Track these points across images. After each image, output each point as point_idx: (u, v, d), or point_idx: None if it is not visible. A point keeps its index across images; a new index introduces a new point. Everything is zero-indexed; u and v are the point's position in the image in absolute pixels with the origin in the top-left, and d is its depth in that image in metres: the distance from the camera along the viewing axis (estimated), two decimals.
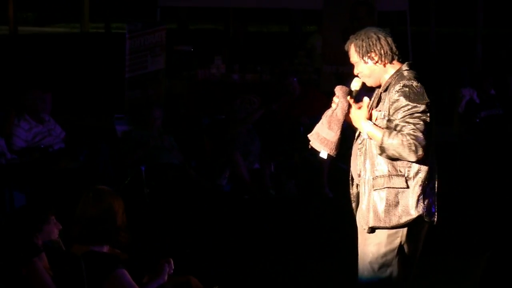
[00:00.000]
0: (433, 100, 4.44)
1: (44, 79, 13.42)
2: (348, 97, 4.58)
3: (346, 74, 9.35)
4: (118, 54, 12.06)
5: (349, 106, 4.56)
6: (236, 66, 11.77)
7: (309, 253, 7.16)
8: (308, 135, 4.67)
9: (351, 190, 4.75)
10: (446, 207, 4.90)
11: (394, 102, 4.41)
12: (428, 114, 4.37)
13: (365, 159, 4.58)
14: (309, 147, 4.67)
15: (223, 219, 8.23)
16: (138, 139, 8.93)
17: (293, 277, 6.61)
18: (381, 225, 4.50)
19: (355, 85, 4.63)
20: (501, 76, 11.07)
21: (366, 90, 4.69)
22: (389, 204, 4.47)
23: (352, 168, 4.70)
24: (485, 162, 9.81)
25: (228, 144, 9.24)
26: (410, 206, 4.46)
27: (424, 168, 4.47)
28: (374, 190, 4.51)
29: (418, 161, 4.43)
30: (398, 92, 4.41)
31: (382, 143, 4.40)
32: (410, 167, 4.46)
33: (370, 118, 4.54)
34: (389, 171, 4.47)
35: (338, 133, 4.55)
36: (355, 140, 4.73)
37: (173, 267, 5.00)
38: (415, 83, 4.42)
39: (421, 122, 4.35)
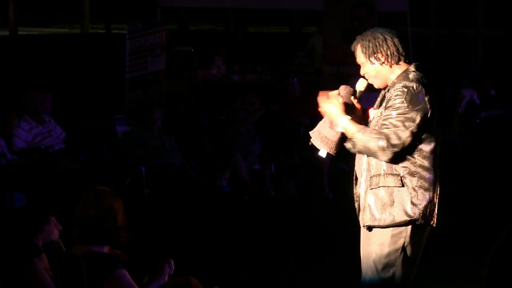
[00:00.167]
0: (434, 98, 4.40)
1: (44, 80, 13.44)
2: (352, 98, 4.57)
3: (346, 74, 9.34)
4: (118, 55, 12.06)
5: (353, 106, 4.56)
6: (236, 66, 11.78)
7: (309, 254, 7.16)
8: (310, 132, 4.67)
9: (354, 190, 4.71)
10: (446, 207, 4.89)
11: (390, 99, 4.40)
12: (416, 122, 4.32)
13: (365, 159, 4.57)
14: (310, 143, 4.66)
15: (224, 219, 8.23)
16: (138, 140, 8.94)
17: (293, 277, 6.61)
18: (376, 224, 4.47)
19: (360, 86, 4.59)
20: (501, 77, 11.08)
21: (370, 91, 4.67)
22: (384, 203, 4.44)
23: (356, 168, 4.67)
24: (486, 163, 9.81)
25: (229, 145, 9.24)
26: (406, 206, 4.42)
27: (422, 169, 4.43)
28: (370, 189, 4.49)
29: (418, 162, 4.41)
30: (396, 91, 4.39)
31: (352, 136, 4.39)
32: (406, 167, 4.42)
33: (367, 117, 4.54)
34: (384, 170, 4.44)
35: (339, 132, 4.55)
36: None
37: (173, 268, 5.00)
38: (415, 86, 4.37)
39: (403, 128, 4.31)
